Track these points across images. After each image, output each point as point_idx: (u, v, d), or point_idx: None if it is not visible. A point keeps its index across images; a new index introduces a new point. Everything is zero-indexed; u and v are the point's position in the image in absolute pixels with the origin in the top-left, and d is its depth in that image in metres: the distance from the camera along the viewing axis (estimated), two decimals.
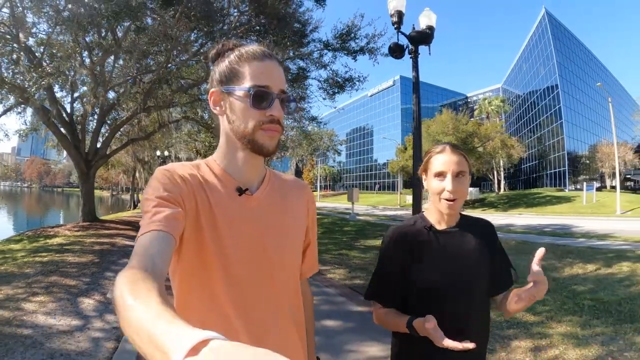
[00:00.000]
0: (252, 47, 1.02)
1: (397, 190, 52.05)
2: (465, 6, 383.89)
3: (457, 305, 1.36)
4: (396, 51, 6.74)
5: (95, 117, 16.61)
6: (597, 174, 57.39)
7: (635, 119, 59.23)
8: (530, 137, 68.41)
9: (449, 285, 1.37)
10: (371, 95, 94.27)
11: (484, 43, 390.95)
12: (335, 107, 15.76)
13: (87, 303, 5.14)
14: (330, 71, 13.07)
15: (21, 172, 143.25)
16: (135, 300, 0.57)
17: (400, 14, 6.66)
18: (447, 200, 1.38)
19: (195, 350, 0.41)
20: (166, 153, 30.94)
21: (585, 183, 38.16)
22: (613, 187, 49.99)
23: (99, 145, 15.97)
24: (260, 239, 1.02)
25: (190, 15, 8.66)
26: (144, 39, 9.68)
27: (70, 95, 15.91)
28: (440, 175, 1.39)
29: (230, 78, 1.00)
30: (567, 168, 55.94)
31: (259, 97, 0.96)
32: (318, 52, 12.28)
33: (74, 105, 16.39)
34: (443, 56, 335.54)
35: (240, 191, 1.02)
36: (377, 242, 12.58)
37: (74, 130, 15.17)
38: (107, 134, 16.62)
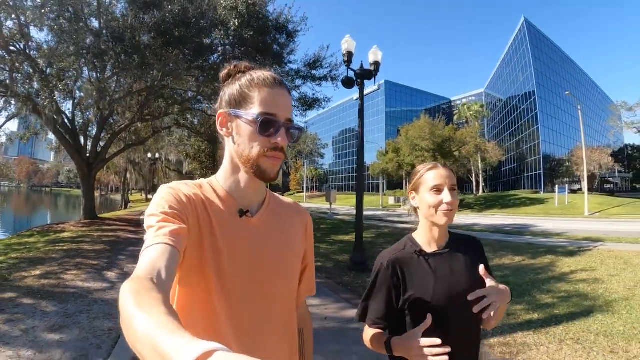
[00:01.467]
0: (264, 73, 1.04)
1: (380, 192, 53.70)
2: (452, 11, 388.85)
3: (450, 327, 1.36)
4: (347, 83, 8.65)
5: (95, 123, 18.25)
6: (576, 177, 59.05)
7: (611, 124, 61.02)
8: (511, 141, 70.62)
9: (441, 308, 1.37)
10: (356, 99, 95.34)
11: (469, 48, 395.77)
12: (305, 122, 18.00)
13: (111, 274, 6.97)
14: (301, 93, 15.34)
15: (14, 172, 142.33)
16: (140, 310, 0.57)
17: (350, 54, 8.55)
18: (444, 211, 1.40)
19: None
20: (157, 155, 32.30)
21: (557, 186, 39.13)
22: (590, 190, 51.42)
23: (98, 149, 17.70)
24: (257, 260, 1.04)
25: (185, 52, 10.57)
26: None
27: (71, 103, 17.53)
28: (437, 189, 1.42)
29: (240, 102, 1.02)
30: (542, 171, 58.04)
31: (266, 125, 0.98)
32: (291, 77, 14.33)
33: (74, 112, 18.00)
34: (429, 61, 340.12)
35: (242, 213, 1.05)
36: (346, 237, 14.27)
37: (76, 137, 16.88)
38: (105, 139, 18.31)
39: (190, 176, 32.86)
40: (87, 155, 17.15)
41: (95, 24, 12.61)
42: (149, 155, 30.45)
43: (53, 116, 13.64)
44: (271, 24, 12.20)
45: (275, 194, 1.24)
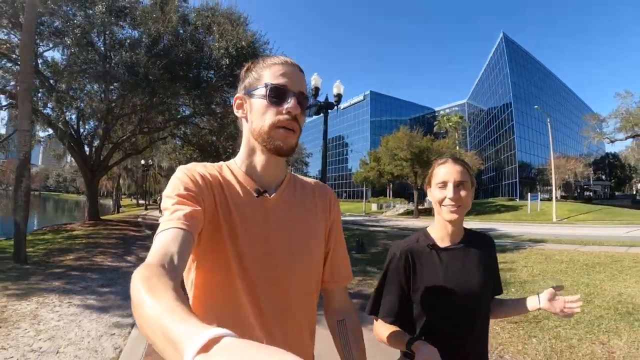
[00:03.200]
0: (276, 56, 1.05)
1: (364, 199, 55.88)
2: (438, 21, 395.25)
3: (459, 319, 1.38)
4: (315, 112, 10.93)
5: (99, 134, 20.29)
6: (553, 185, 60.56)
7: (585, 134, 62.99)
8: (490, 150, 73.46)
9: (450, 301, 1.38)
10: (343, 109, 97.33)
11: (453, 62, 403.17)
12: None
13: (130, 258, 9.15)
14: None
15: (11, 174, 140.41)
16: (150, 296, 0.58)
17: (317, 89, 10.87)
18: (449, 207, 1.40)
19: (206, 347, 0.43)
20: (150, 162, 34.13)
21: (529, 194, 40.97)
22: (564, 197, 53.90)
23: (101, 158, 19.74)
24: (272, 241, 1.03)
25: (187, 84, 12.89)
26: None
27: (77, 116, 19.47)
28: (443, 184, 1.42)
29: (252, 84, 1.02)
30: (518, 179, 60.70)
31: (276, 92, 0.99)
32: None
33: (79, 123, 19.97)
34: (415, 72, 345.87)
35: (259, 193, 1.04)
36: None
37: (81, 146, 18.99)
38: (108, 148, 20.32)
39: None
40: (92, 162, 19.17)
41: (100, 45, 14.69)
42: (142, 162, 32.21)
43: (61, 128, 15.60)
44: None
45: (298, 175, 1.23)
